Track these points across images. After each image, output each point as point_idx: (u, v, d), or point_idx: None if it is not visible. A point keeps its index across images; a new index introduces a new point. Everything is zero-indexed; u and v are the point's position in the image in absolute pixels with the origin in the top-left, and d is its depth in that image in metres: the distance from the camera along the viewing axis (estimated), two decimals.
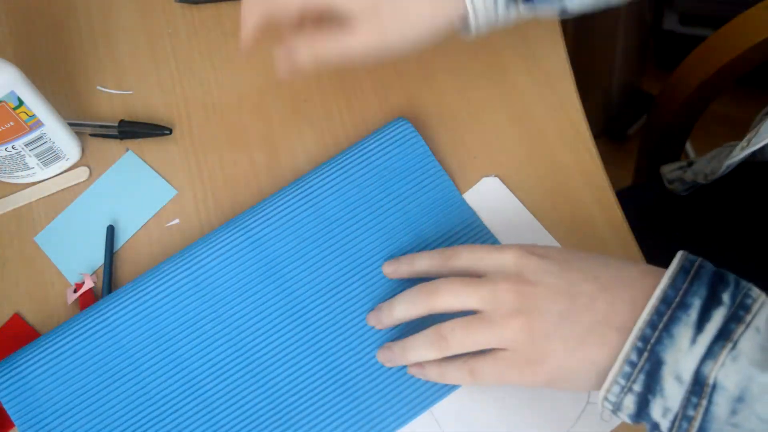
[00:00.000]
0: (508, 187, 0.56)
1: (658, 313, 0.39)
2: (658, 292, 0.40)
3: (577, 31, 1.15)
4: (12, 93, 0.54)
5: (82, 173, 0.62)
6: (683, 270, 0.40)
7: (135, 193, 0.60)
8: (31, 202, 0.61)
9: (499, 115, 0.59)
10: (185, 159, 0.61)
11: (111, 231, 0.58)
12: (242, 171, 0.60)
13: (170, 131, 0.61)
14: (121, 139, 0.62)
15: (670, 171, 0.73)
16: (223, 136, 0.62)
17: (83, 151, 0.62)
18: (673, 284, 0.40)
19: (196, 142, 0.62)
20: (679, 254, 0.42)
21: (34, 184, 0.62)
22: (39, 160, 0.60)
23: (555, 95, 0.59)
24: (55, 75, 0.66)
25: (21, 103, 0.54)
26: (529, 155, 0.57)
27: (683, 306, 0.39)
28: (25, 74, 0.54)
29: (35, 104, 0.55)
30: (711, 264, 0.41)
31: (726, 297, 0.39)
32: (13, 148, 0.57)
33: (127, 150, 0.62)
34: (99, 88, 0.65)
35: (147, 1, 0.68)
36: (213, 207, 0.59)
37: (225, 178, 0.60)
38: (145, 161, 0.61)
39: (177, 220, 0.59)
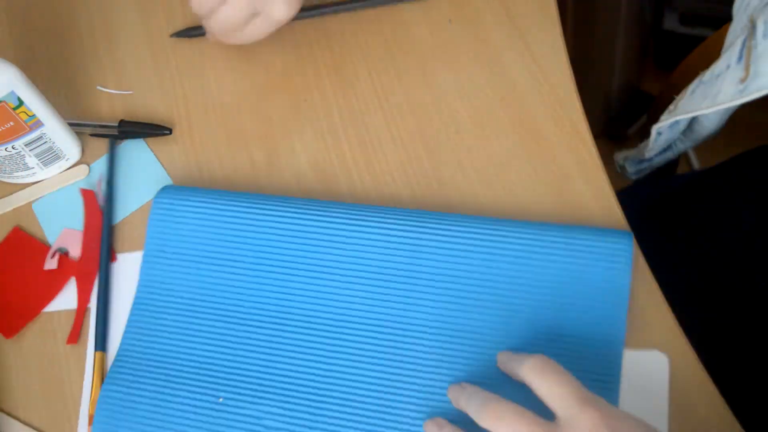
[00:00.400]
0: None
1: None
2: None
3: (577, 31, 1.15)
4: (12, 93, 0.54)
5: (82, 173, 0.62)
6: None
7: (132, 174, 0.61)
8: (30, 202, 0.61)
9: (498, 115, 0.59)
10: (185, 159, 0.61)
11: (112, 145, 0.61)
12: (242, 171, 0.60)
13: (170, 131, 0.61)
14: (122, 138, 0.62)
15: (621, 157, 0.72)
16: (223, 136, 0.62)
17: (83, 151, 0.62)
18: None
19: (196, 142, 0.62)
20: None
21: (34, 184, 0.62)
22: (39, 160, 0.60)
23: (555, 95, 0.59)
24: (55, 75, 0.66)
25: (21, 103, 0.54)
26: (529, 155, 0.57)
27: None
28: (25, 74, 0.54)
29: (35, 104, 0.56)
30: None
31: None
32: (13, 148, 0.57)
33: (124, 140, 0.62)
34: (99, 88, 0.65)
35: (147, 2, 0.69)
36: None
37: (225, 178, 0.60)
38: (146, 152, 0.62)
39: None
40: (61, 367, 0.55)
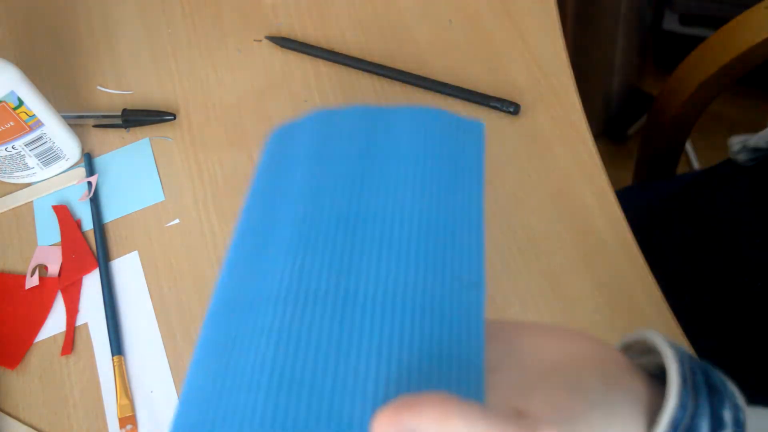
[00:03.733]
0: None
1: None
2: (667, 416, 0.32)
3: (577, 32, 1.15)
4: (12, 93, 0.54)
5: (82, 173, 0.62)
6: (684, 382, 0.33)
7: (131, 180, 0.61)
8: (31, 202, 0.61)
9: (498, 115, 0.59)
10: (185, 159, 0.61)
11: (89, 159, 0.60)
12: (242, 171, 0.60)
13: (174, 116, 0.61)
14: (126, 128, 0.62)
15: (736, 142, 0.71)
16: (223, 136, 0.62)
17: (84, 147, 0.62)
18: (681, 403, 0.33)
19: (196, 142, 0.62)
20: (674, 363, 0.34)
21: (33, 183, 0.62)
22: (39, 160, 0.60)
23: (555, 95, 0.59)
24: (56, 75, 0.66)
25: (21, 103, 0.54)
26: (529, 155, 0.57)
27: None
28: (25, 74, 0.54)
29: (35, 104, 0.56)
30: (697, 362, 0.35)
31: (726, 415, 0.33)
32: (13, 148, 0.57)
33: (137, 138, 0.62)
34: (99, 88, 0.65)
35: (147, 2, 0.69)
36: (213, 207, 0.59)
37: (225, 178, 0.60)
38: (152, 156, 0.62)
39: (177, 220, 0.59)
40: (62, 370, 0.55)
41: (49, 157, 0.60)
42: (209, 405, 0.30)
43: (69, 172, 0.62)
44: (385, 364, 0.30)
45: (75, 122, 0.62)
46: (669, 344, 0.34)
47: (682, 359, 0.34)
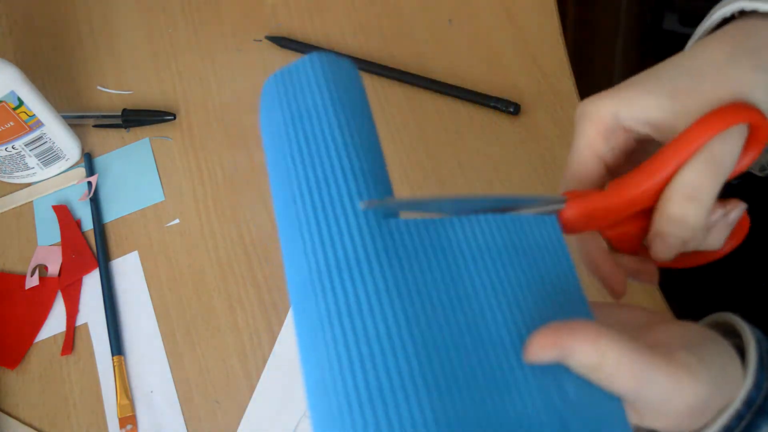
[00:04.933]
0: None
1: (738, 416, 0.32)
2: (743, 393, 0.32)
3: (577, 32, 1.15)
4: (12, 93, 0.54)
5: (82, 173, 0.62)
6: (761, 362, 0.33)
7: (130, 180, 0.61)
8: (31, 202, 0.61)
9: (499, 116, 0.59)
10: (185, 159, 0.61)
11: (89, 158, 0.59)
12: (242, 171, 0.60)
13: (174, 116, 0.61)
14: (126, 128, 0.62)
15: None
16: (223, 136, 0.62)
17: (84, 147, 0.62)
18: (756, 383, 0.32)
19: (196, 142, 0.62)
20: (753, 342, 0.33)
21: (33, 184, 0.62)
22: (39, 160, 0.60)
23: (555, 95, 0.59)
24: (56, 75, 0.66)
25: (21, 103, 0.54)
26: (529, 155, 0.57)
27: (764, 413, 0.32)
28: (25, 74, 0.54)
29: (35, 104, 0.56)
30: None
31: None
32: (13, 148, 0.57)
33: (143, 138, 0.62)
34: (99, 88, 0.65)
35: (147, 2, 0.69)
36: (213, 207, 0.59)
37: (225, 178, 0.60)
38: (152, 155, 0.62)
39: (177, 220, 0.59)
40: (62, 370, 0.55)
41: (49, 157, 0.60)
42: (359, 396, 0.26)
43: (69, 172, 0.62)
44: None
45: (75, 122, 0.62)
46: (749, 326, 0.34)
47: (760, 341, 0.34)
